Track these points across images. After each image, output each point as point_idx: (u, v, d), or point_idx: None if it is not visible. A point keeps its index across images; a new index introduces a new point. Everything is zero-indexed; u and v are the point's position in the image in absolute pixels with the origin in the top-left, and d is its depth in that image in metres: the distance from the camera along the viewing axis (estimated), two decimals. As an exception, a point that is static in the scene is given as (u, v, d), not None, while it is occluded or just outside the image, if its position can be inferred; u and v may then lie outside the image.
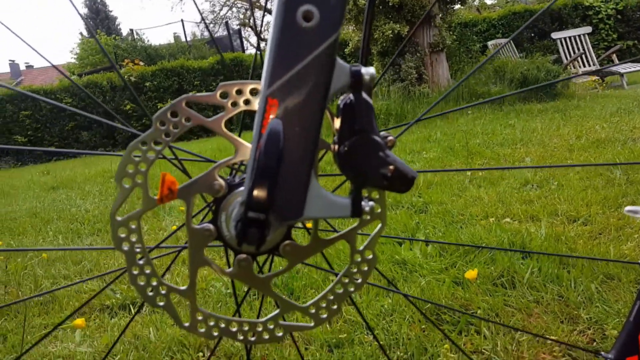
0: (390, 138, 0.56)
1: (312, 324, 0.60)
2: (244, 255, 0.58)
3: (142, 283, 0.59)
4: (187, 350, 1.33)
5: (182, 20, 35.90)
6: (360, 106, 0.54)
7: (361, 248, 0.59)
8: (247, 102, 0.56)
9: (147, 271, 0.59)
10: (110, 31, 23.79)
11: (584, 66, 8.54)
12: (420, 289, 1.49)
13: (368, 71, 0.54)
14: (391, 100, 6.36)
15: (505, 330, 1.22)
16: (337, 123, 0.55)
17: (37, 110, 11.66)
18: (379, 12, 6.58)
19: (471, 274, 1.34)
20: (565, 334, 1.18)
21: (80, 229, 2.94)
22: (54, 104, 0.68)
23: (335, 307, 0.60)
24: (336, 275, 0.61)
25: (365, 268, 0.60)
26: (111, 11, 29.74)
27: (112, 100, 11.59)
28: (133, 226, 0.58)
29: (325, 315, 0.60)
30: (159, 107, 10.61)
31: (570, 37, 8.76)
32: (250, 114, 0.57)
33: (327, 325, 1.34)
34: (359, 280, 0.60)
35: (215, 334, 0.60)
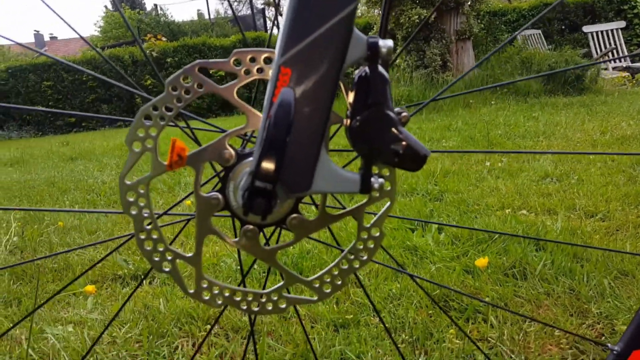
0: (404, 114, 0.55)
1: (316, 298, 0.60)
2: (250, 226, 0.58)
3: (148, 248, 0.59)
4: (195, 322, 1.34)
5: (206, -2, 35.87)
6: (375, 79, 0.53)
7: (369, 225, 0.59)
8: (260, 70, 0.55)
9: (154, 236, 0.59)
10: (135, 5, 23.87)
11: (615, 62, 8.29)
12: (429, 275, 1.48)
13: (386, 43, 0.52)
14: (413, 87, 6.28)
15: (512, 319, 1.20)
16: (351, 96, 0.54)
17: (59, 81, 11.81)
18: (406, -4, 6.47)
19: (482, 261, 1.33)
20: (573, 327, 1.16)
21: (96, 200, 2.99)
22: (93, 74, 0.68)
23: (339, 282, 0.60)
24: (342, 251, 0.61)
25: (372, 245, 0.59)
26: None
27: (133, 74, 11.66)
28: (142, 191, 0.58)
29: (329, 290, 0.60)
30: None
31: (602, 32, 8.49)
32: (265, 82, 0.57)
33: (334, 306, 1.35)
34: (365, 257, 0.59)
35: (219, 302, 0.60)
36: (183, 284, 0.60)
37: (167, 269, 0.60)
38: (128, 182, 0.58)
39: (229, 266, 1.70)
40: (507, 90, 6.35)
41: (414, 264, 1.59)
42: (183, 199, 0.74)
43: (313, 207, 0.67)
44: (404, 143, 0.53)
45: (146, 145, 0.57)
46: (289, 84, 0.51)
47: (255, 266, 1.64)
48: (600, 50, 8.35)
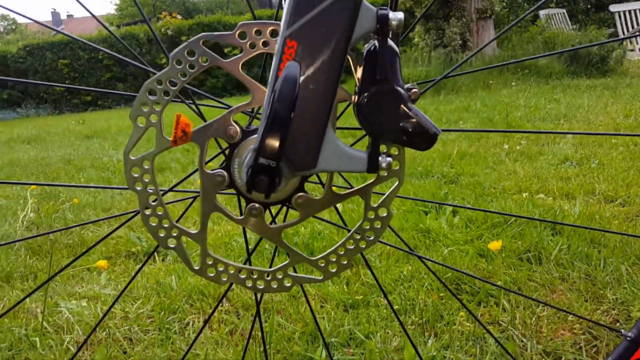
0: (414, 90, 0.52)
1: (321, 277, 0.59)
2: (255, 204, 0.57)
3: (153, 224, 0.58)
4: (206, 299, 1.35)
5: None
6: (384, 54, 0.50)
7: (376, 205, 0.57)
8: (265, 44, 0.54)
9: (159, 213, 0.58)
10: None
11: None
12: (442, 258, 1.47)
13: (396, 16, 0.50)
14: (431, 67, 6.18)
15: (525, 303, 1.18)
16: (360, 72, 0.52)
17: (76, 59, 11.90)
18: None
19: (495, 245, 1.30)
20: (588, 313, 1.14)
21: (110, 178, 3.02)
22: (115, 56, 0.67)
23: (345, 262, 0.59)
24: (349, 231, 0.59)
25: (379, 226, 0.58)
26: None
27: (148, 52, 11.68)
28: (146, 166, 0.57)
29: (334, 270, 0.59)
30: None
31: (630, 11, 8.20)
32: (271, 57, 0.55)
33: (345, 286, 1.34)
34: (371, 238, 0.58)
35: (224, 279, 0.60)
36: (189, 261, 0.59)
37: (172, 246, 0.59)
38: (133, 158, 0.57)
39: (240, 245, 1.71)
40: (528, 72, 6.20)
41: (427, 247, 1.57)
42: (187, 177, 0.74)
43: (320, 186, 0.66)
44: (413, 120, 0.51)
45: (150, 121, 0.56)
46: (295, 58, 0.50)
47: (267, 245, 1.65)
48: (628, 30, 8.07)
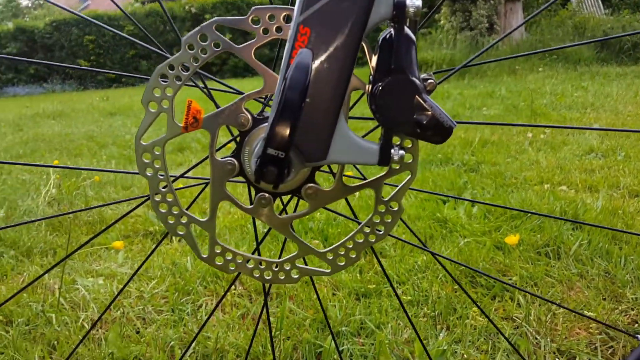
0: (430, 81, 0.50)
1: (329, 270, 0.58)
2: (265, 194, 0.56)
3: (163, 211, 0.58)
4: (220, 282, 1.36)
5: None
6: (400, 42, 0.48)
7: (387, 199, 0.56)
8: (279, 29, 0.52)
9: (169, 199, 0.58)
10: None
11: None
12: (458, 250, 1.45)
13: (414, 3, 0.48)
14: (456, 50, 6.05)
15: (541, 300, 1.16)
16: (374, 60, 0.50)
17: (101, 35, 12.00)
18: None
19: (512, 239, 1.27)
20: (605, 312, 1.11)
21: (132, 156, 3.05)
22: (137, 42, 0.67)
23: (354, 256, 0.58)
24: (359, 224, 0.58)
25: (389, 220, 0.56)
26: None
27: (172, 30, 11.71)
28: (157, 152, 0.57)
29: (342, 263, 0.58)
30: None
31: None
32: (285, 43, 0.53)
33: (358, 275, 1.33)
34: (382, 232, 0.57)
35: (232, 268, 0.59)
36: (197, 249, 0.59)
37: (181, 233, 0.59)
38: (144, 143, 0.57)
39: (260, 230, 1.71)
40: (556, 57, 6.03)
41: (443, 237, 1.55)
42: (197, 164, 0.73)
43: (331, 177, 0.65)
44: (428, 113, 0.49)
45: (162, 106, 0.55)
46: (308, 45, 0.48)
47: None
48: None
